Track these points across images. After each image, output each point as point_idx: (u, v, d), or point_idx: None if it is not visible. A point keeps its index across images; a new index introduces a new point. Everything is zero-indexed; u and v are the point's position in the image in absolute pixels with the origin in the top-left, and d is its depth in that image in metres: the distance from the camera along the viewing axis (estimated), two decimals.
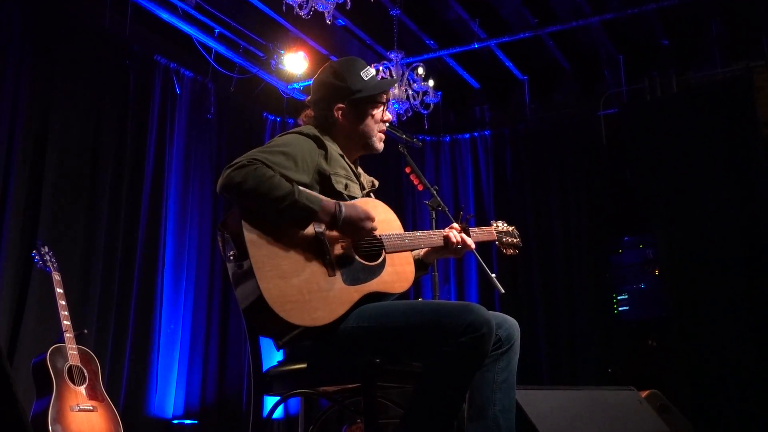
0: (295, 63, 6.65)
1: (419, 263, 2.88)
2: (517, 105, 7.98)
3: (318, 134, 2.67)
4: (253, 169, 2.37)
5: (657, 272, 6.80)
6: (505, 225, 3.13)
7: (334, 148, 2.70)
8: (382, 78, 2.96)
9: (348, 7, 5.07)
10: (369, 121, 2.78)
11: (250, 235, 2.37)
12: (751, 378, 6.02)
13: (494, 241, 3.06)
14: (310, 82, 7.55)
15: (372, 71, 2.82)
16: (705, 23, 6.97)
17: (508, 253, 3.11)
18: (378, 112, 2.80)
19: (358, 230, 2.51)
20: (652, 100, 7.18)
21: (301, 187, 2.45)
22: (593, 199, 7.27)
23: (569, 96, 7.85)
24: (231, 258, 2.43)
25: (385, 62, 6.29)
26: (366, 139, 2.80)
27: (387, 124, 2.85)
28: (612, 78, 7.44)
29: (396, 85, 6.10)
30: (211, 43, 6.32)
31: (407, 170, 3.05)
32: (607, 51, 7.34)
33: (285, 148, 2.53)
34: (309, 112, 2.85)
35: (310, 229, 2.47)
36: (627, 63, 7.41)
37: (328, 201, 2.48)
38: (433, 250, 2.86)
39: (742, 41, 6.92)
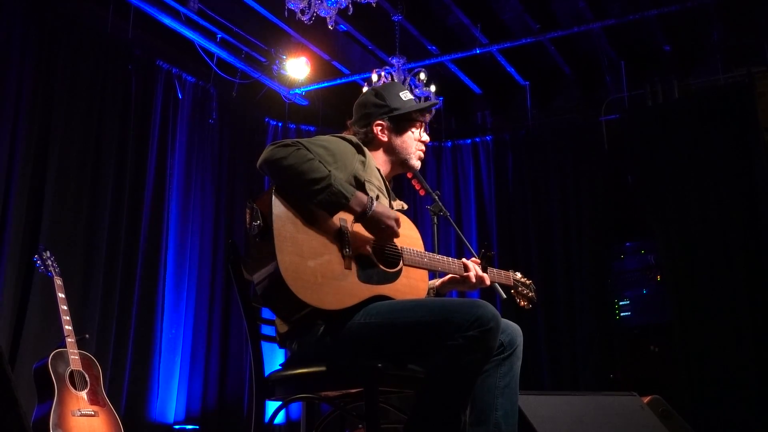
0: (297, 68, 6.66)
1: (435, 294, 2.92)
2: (519, 110, 7.98)
3: (360, 143, 2.77)
4: (295, 149, 2.48)
5: (659, 278, 6.79)
6: (524, 277, 3.17)
7: (372, 160, 2.78)
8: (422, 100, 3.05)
9: (350, 13, 5.08)
10: (407, 137, 2.88)
11: (278, 210, 2.44)
12: (753, 383, 6.01)
13: (510, 287, 3.09)
14: (313, 87, 7.62)
15: (410, 95, 2.93)
16: (706, 29, 6.97)
17: (521, 304, 3.14)
18: (416, 132, 2.89)
19: (383, 229, 2.55)
20: (653, 105, 7.18)
21: (337, 174, 2.52)
22: (595, 204, 7.27)
23: (571, 101, 7.86)
24: (255, 228, 2.48)
25: (387, 68, 6.30)
26: (404, 155, 2.88)
27: (424, 145, 2.93)
28: (613, 84, 7.45)
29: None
30: (213, 48, 6.33)
31: (409, 175, 3.06)
32: (609, 57, 7.35)
33: (326, 144, 2.64)
34: (350, 131, 2.93)
35: (335, 222, 2.53)
36: (628, 69, 7.41)
37: (362, 194, 2.54)
38: (449, 282, 2.90)
39: (744, 47, 6.92)
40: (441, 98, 6.52)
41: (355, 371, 2.44)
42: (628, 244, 7.07)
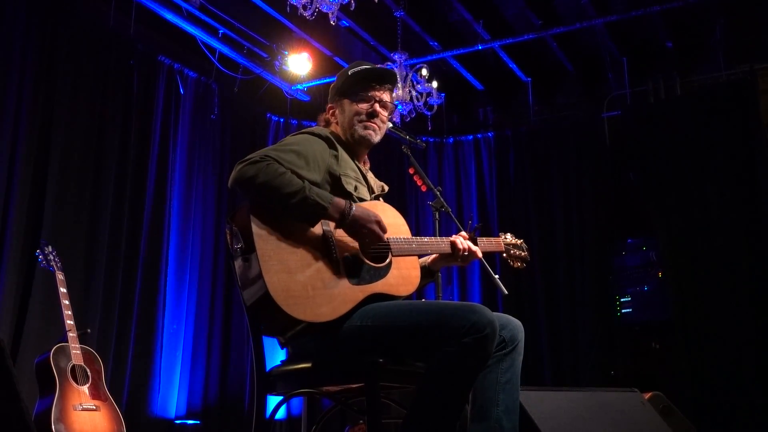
0: (299, 64, 6.66)
1: (426, 270, 2.88)
2: (521, 107, 7.98)
3: (329, 136, 2.71)
4: (265, 165, 2.41)
5: (660, 274, 6.79)
6: (514, 237, 3.13)
7: (343, 150, 2.73)
8: (373, 71, 2.89)
9: (352, 8, 5.08)
10: (353, 116, 2.78)
11: (258, 229, 2.39)
12: (754, 380, 6.01)
13: (501, 252, 3.06)
14: (314, 83, 7.63)
15: (364, 67, 2.82)
16: (709, 26, 6.96)
17: (515, 265, 3.11)
18: (359, 107, 2.78)
19: (365, 233, 2.50)
20: (655, 102, 7.17)
21: (311, 185, 2.48)
22: (596, 201, 7.27)
23: (573, 98, 7.85)
24: (238, 251, 2.45)
25: (389, 63, 6.30)
26: (348, 132, 2.79)
27: (375, 118, 2.79)
28: (616, 80, 7.44)
29: (400, 88, 6.10)
30: (215, 44, 6.33)
31: (410, 171, 3.06)
32: (611, 53, 7.34)
33: (297, 147, 2.57)
34: (321, 122, 2.92)
35: (318, 228, 2.48)
36: (631, 65, 7.40)
37: (339, 199, 2.49)
38: (440, 258, 2.87)
39: (746, 44, 6.91)
40: (443, 94, 6.52)
41: (356, 366, 2.44)
42: (629, 240, 7.06)
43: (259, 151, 2.49)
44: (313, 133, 2.69)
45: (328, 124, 2.86)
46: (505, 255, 3.07)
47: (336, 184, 2.63)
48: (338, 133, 2.81)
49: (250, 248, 2.38)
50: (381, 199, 2.87)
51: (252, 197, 2.44)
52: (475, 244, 2.84)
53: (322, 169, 2.60)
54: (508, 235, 3.12)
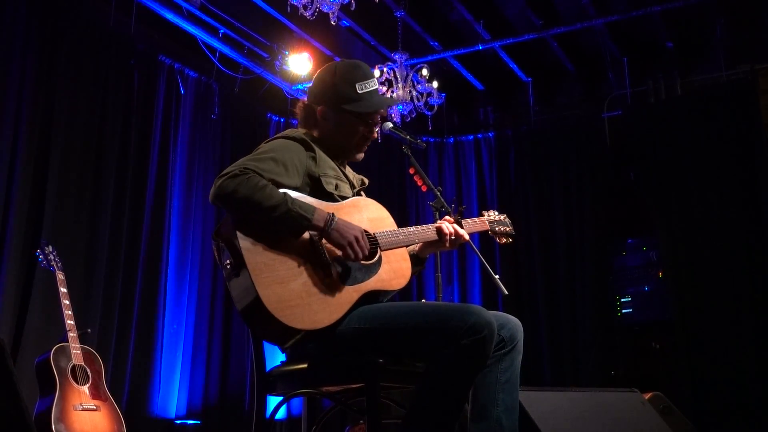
0: (300, 64, 6.65)
1: (415, 258, 2.86)
2: (521, 107, 7.98)
3: (304, 137, 2.66)
4: (245, 179, 2.37)
5: (660, 274, 6.80)
6: (497, 214, 3.13)
7: (320, 149, 2.68)
8: (382, 94, 2.83)
9: (352, 8, 5.08)
10: (349, 134, 2.73)
11: (245, 243, 2.37)
12: (754, 380, 6.02)
13: (487, 231, 3.05)
14: None
15: (371, 85, 2.73)
16: (709, 25, 6.96)
17: (502, 241, 3.11)
18: (364, 129, 2.74)
19: (345, 245, 2.45)
20: (656, 102, 7.18)
21: (293, 195, 2.44)
22: (597, 201, 7.27)
23: (573, 98, 7.86)
24: (228, 266, 2.43)
25: (389, 63, 6.30)
26: (342, 149, 2.75)
27: (370, 140, 2.79)
28: (616, 80, 7.44)
29: (401, 88, 6.10)
30: (216, 44, 6.33)
31: (411, 171, 3.05)
32: (612, 53, 7.34)
33: (273, 154, 2.52)
34: (302, 102, 2.82)
35: (304, 234, 2.46)
36: (631, 65, 7.41)
37: (322, 210, 2.46)
38: (428, 244, 2.84)
39: (747, 44, 6.92)
40: (443, 94, 6.52)
41: (356, 366, 2.44)
42: (629, 240, 7.07)
43: (237, 163, 2.45)
44: (287, 137, 2.64)
45: (308, 123, 2.77)
46: (491, 233, 3.07)
47: (316, 186, 2.60)
48: (318, 135, 2.74)
49: (239, 262, 2.37)
50: (363, 193, 2.85)
51: (234, 212, 2.41)
52: (461, 226, 2.83)
53: (300, 174, 2.57)
54: (491, 213, 3.12)
